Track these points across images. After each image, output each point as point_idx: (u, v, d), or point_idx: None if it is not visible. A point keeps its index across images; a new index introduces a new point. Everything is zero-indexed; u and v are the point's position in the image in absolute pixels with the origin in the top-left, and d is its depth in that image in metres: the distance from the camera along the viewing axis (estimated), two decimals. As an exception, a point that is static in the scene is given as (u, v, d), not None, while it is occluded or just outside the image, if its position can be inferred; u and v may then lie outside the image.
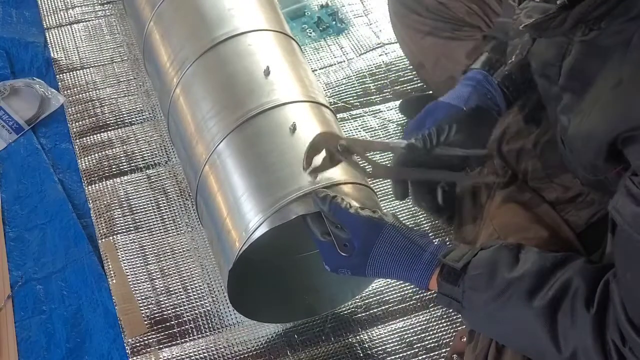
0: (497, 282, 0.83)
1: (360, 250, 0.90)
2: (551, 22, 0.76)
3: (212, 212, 1.06)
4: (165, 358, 1.12)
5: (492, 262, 0.84)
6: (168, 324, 1.15)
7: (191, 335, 1.14)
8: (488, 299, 0.84)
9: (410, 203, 1.29)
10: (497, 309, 0.84)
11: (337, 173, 0.99)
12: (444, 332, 1.15)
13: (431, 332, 1.15)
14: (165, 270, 1.21)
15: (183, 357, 1.12)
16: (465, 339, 1.10)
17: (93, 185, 1.31)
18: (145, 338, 1.14)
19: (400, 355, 1.13)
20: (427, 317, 1.17)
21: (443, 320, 1.16)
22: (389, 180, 1.02)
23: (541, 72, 0.90)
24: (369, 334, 1.15)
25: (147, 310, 1.16)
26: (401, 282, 1.12)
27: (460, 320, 1.16)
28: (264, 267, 1.05)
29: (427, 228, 1.26)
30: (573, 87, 0.82)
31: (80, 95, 1.43)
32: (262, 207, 0.97)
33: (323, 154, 0.97)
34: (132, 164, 1.34)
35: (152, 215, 1.27)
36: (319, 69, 1.49)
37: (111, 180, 1.32)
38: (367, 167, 0.98)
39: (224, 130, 1.05)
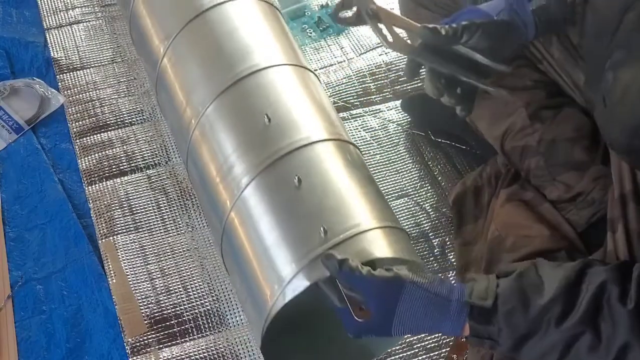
0: (533, 312, 0.80)
1: (382, 313, 0.84)
2: None
3: (240, 262, 0.99)
4: (165, 358, 1.12)
5: (520, 291, 0.81)
6: (168, 323, 1.15)
7: (191, 335, 1.14)
8: (526, 329, 0.81)
9: (409, 203, 1.29)
10: (538, 337, 0.81)
11: (363, 217, 0.93)
12: (444, 332, 1.15)
13: (431, 332, 1.15)
14: (165, 270, 1.21)
15: (183, 356, 1.12)
16: (465, 339, 1.10)
17: (93, 185, 1.31)
18: (145, 338, 1.14)
19: (400, 355, 1.13)
20: (427, 317, 1.16)
21: (443, 320, 1.16)
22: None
23: (595, 30, 0.87)
24: (369, 333, 1.15)
25: (147, 310, 1.16)
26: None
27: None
28: (298, 316, 0.97)
29: (427, 228, 1.26)
30: (631, 43, 0.79)
31: (80, 95, 1.43)
32: (295, 258, 0.91)
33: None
34: (132, 164, 1.34)
35: (152, 215, 1.27)
36: (319, 69, 1.49)
37: (111, 181, 1.32)
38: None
39: (249, 174, 0.98)
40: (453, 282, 0.86)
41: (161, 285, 1.19)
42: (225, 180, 1.02)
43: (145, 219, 1.27)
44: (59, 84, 1.45)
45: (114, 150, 1.36)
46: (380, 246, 0.91)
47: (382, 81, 1.48)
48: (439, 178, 1.33)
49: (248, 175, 0.98)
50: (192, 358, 1.12)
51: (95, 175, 1.32)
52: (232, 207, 0.99)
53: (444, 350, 1.13)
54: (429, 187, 1.32)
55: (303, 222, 0.93)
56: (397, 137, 1.39)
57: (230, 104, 1.06)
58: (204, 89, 1.08)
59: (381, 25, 0.97)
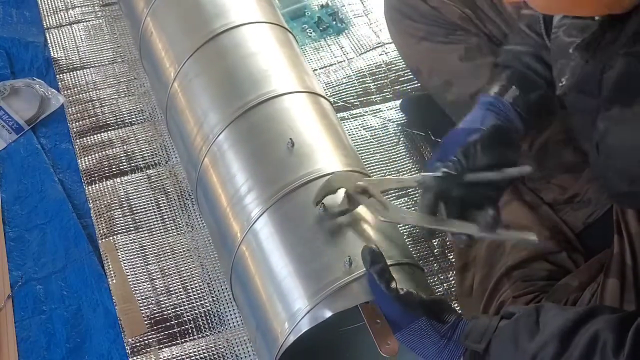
0: (521, 356, 0.79)
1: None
2: (601, 40, 0.75)
3: (249, 295, 0.98)
4: (165, 358, 1.12)
5: (513, 337, 0.80)
6: (168, 323, 1.15)
7: (191, 335, 1.14)
8: None
9: (409, 203, 1.29)
10: None
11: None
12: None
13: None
14: (165, 270, 1.21)
15: (183, 357, 1.12)
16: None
17: (93, 185, 1.31)
18: (145, 338, 1.14)
19: (400, 355, 1.13)
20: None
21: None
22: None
23: (578, 88, 0.88)
24: (369, 333, 1.15)
25: (147, 310, 1.16)
26: None
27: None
28: (308, 348, 0.93)
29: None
30: (620, 99, 0.80)
31: (80, 95, 1.43)
32: (308, 294, 0.89)
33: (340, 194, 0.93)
34: (132, 164, 1.34)
35: (152, 215, 1.27)
36: (319, 69, 1.49)
37: (111, 180, 1.32)
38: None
39: (260, 207, 0.96)
40: (461, 318, 0.86)
41: (161, 285, 1.19)
42: (236, 211, 1.00)
43: (145, 219, 1.27)
44: (59, 84, 1.45)
45: (114, 150, 1.36)
46: (398, 280, 0.89)
47: (382, 81, 1.48)
48: (439, 178, 1.33)
49: (260, 206, 0.96)
50: (192, 358, 1.12)
51: (95, 175, 1.32)
52: (243, 239, 0.98)
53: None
54: (429, 187, 1.32)
55: (341, 248, 0.91)
56: (396, 137, 1.39)
57: (244, 130, 1.03)
58: (215, 115, 1.06)
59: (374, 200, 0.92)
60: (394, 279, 0.85)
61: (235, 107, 1.04)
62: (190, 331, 1.15)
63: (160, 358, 1.12)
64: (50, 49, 1.50)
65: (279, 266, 0.93)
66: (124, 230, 1.25)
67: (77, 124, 1.39)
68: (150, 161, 1.34)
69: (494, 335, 0.82)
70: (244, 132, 1.03)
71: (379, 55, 1.51)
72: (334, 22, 1.57)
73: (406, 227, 1.26)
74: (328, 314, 0.87)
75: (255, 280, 0.96)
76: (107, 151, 1.36)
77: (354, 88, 1.47)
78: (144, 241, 1.24)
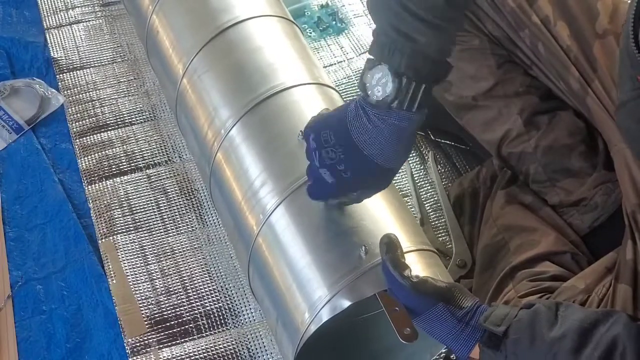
0: (539, 344, 0.79)
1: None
2: None
3: (269, 286, 0.98)
4: (165, 358, 1.12)
5: (531, 325, 0.81)
6: (168, 324, 1.15)
7: (191, 335, 1.14)
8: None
9: (409, 203, 1.29)
10: None
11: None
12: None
13: (431, 332, 1.15)
14: (165, 270, 1.21)
15: (183, 357, 1.12)
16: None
17: (93, 185, 1.31)
18: (145, 338, 1.14)
19: (401, 355, 1.13)
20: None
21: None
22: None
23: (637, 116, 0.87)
24: (369, 333, 1.15)
25: (147, 310, 1.16)
26: None
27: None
28: (329, 337, 0.96)
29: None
30: None
31: (80, 95, 1.43)
32: (327, 284, 0.90)
33: None
34: (132, 164, 1.34)
35: (152, 215, 1.27)
36: (319, 69, 1.49)
37: (111, 180, 1.32)
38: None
39: (275, 199, 0.97)
40: (479, 304, 0.85)
41: (161, 285, 1.19)
42: (251, 205, 1.00)
43: (145, 218, 1.27)
44: (59, 84, 1.45)
45: (114, 150, 1.36)
46: (417, 270, 0.89)
47: (382, 81, 1.47)
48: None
49: (275, 198, 0.97)
50: (192, 358, 1.12)
51: (95, 175, 1.32)
52: (259, 231, 0.98)
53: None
54: (429, 187, 1.32)
55: (339, 244, 0.92)
56: (397, 137, 1.39)
57: (256, 123, 1.04)
58: (226, 110, 1.07)
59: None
60: (409, 267, 0.85)
61: (245, 101, 1.05)
62: (190, 331, 1.15)
63: (160, 358, 1.12)
64: (50, 49, 1.50)
65: (297, 257, 0.94)
66: (124, 230, 1.25)
67: (77, 124, 1.39)
68: (150, 161, 1.35)
69: (514, 320, 0.81)
70: (256, 126, 1.04)
71: (379, 55, 1.51)
72: (334, 22, 1.57)
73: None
74: (347, 303, 0.88)
75: (273, 272, 0.97)
76: (107, 151, 1.36)
77: (354, 88, 1.46)
78: (144, 241, 1.24)
